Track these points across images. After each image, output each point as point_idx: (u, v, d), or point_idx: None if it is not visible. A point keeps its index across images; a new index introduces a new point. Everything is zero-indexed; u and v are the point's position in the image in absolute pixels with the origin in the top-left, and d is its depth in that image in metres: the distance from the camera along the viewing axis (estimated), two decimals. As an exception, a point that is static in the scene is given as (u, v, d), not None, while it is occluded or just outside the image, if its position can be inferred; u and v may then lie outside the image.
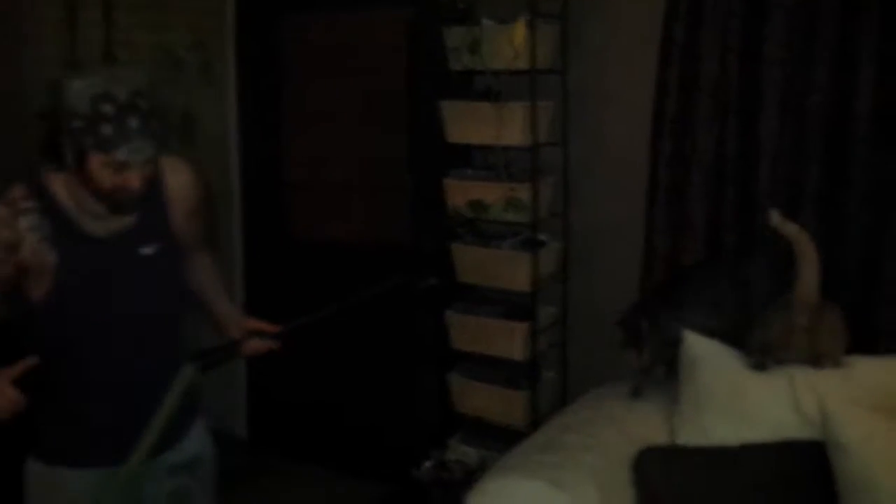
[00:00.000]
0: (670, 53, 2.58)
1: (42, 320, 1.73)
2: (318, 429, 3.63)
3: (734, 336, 2.26)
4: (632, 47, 2.79)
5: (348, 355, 3.38)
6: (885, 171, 2.32)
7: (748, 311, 2.25)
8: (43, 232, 1.67)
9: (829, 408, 2.01)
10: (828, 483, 1.96)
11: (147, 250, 1.78)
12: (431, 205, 3.07)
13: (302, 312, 3.51)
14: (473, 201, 2.91)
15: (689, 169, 2.59)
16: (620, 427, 2.27)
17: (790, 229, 2.18)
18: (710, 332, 2.29)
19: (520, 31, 2.72)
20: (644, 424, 2.29)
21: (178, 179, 1.86)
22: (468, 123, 2.89)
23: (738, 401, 2.20)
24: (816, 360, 2.19)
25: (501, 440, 2.81)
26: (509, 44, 2.74)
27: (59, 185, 1.71)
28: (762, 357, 2.21)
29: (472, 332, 3.00)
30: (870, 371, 2.16)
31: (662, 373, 2.41)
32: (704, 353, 2.29)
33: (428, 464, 3.08)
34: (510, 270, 2.89)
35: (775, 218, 2.18)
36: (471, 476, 2.72)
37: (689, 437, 2.22)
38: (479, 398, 3.02)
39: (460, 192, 2.95)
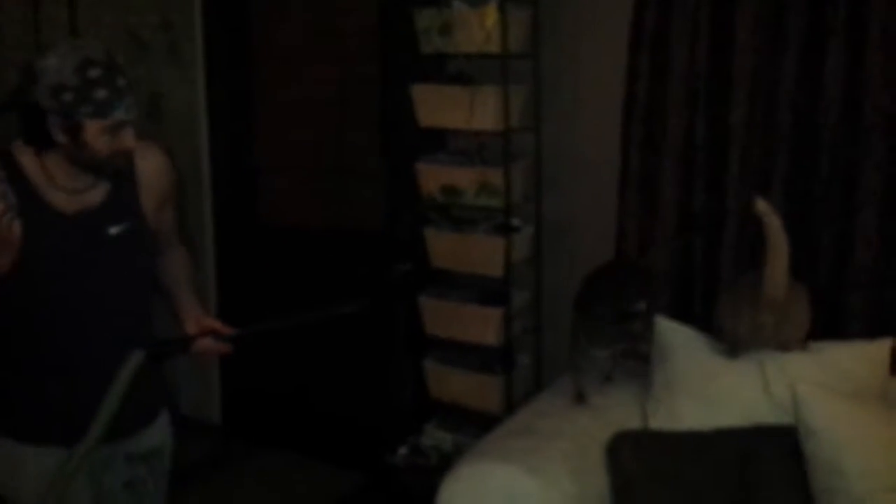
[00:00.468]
0: (641, 39, 2.58)
1: (4, 292, 1.71)
2: (291, 415, 3.63)
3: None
4: (604, 33, 2.78)
5: (322, 342, 3.37)
6: (854, 157, 2.34)
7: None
8: (8, 201, 1.62)
9: (800, 392, 2.04)
10: (798, 466, 2.00)
11: (114, 230, 1.76)
12: (404, 190, 3.06)
13: (273, 298, 3.50)
14: (446, 186, 2.90)
15: (660, 154, 2.60)
16: (594, 412, 2.29)
17: (773, 221, 2.14)
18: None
19: (491, 13, 2.70)
20: (617, 409, 2.32)
21: (150, 164, 1.84)
22: (440, 108, 2.87)
23: (709, 386, 2.23)
24: (784, 345, 2.22)
25: (477, 425, 2.83)
26: (481, 27, 2.72)
27: (28, 158, 1.70)
28: (735, 348, 2.24)
29: (446, 318, 3.00)
30: (839, 356, 2.20)
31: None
32: (676, 339, 2.32)
33: (403, 450, 3.09)
34: (483, 255, 2.89)
35: (762, 205, 2.14)
36: (446, 461, 2.73)
37: (662, 421, 2.25)
38: (454, 384, 3.03)
39: (433, 177, 2.94)
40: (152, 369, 1.78)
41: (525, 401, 2.67)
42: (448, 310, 2.99)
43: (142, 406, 1.89)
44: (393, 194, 3.20)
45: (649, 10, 2.55)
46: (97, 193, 1.75)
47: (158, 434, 1.99)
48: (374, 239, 3.28)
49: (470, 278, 2.98)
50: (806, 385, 2.06)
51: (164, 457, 2.03)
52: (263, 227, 3.65)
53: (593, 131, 2.87)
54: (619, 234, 2.72)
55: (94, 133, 1.62)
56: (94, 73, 1.59)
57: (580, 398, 2.33)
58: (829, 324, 2.33)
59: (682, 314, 2.50)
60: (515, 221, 2.93)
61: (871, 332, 2.28)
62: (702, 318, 2.47)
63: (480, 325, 2.92)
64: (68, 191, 1.72)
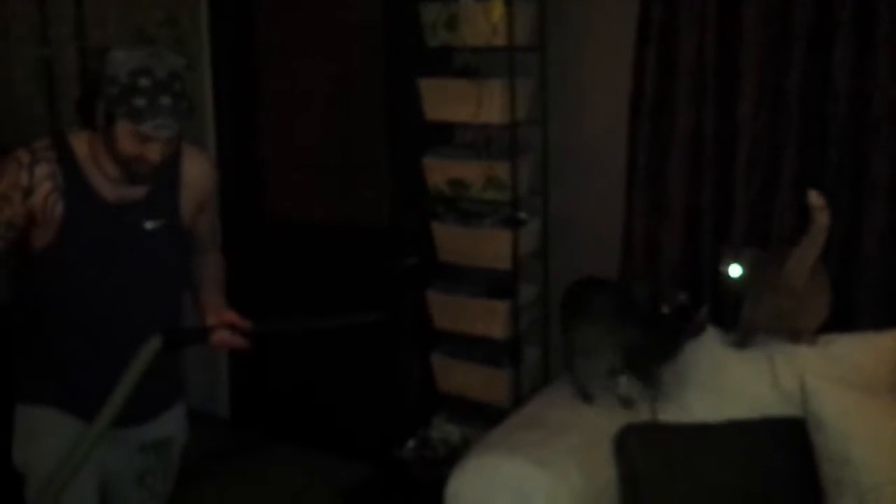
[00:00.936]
0: (648, 33, 2.57)
1: (39, 270, 1.82)
2: (300, 409, 3.63)
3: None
4: (611, 26, 2.78)
5: (331, 336, 3.38)
6: (863, 149, 2.33)
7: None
8: (55, 182, 1.75)
9: (809, 385, 2.04)
10: (807, 459, 2.00)
11: (150, 225, 1.85)
12: (411, 183, 3.06)
13: (279, 292, 3.50)
14: (453, 180, 2.90)
15: (668, 149, 2.60)
16: (602, 405, 2.29)
17: (822, 217, 2.11)
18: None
19: (497, 6, 2.70)
20: (625, 402, 2.31)
21: (195, 168, 1.94)
22: (446, 101, 2.87)
23: (718, 378, 2.23)
24: (796, 335, 2.22)
25: (485, 418, 2.83)
26: (487, 20, 2.72)
27: (81, 144, 1.80)
28: (747, 336, 2.23)
29: (453, 312, 3.00)
30: (848, 348, 2.20)
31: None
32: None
33: (411, 443, 3.09)
34: (491, 249, 2.89)
35: (814, 198, 2.12)
36: (454, 454, 2.74)
37: (671, 414, 2.25)
38: (461, 377, 3.04)
39: (440, 171, 2.94)
40: (169, 358, 1.83)
41: (533, 394, 2.68)
42: (455, 303, 2.99)
43: (156, 394, 1.94)
44: (400, 188, 3.20)
45: (656, 3, 2.54)
46: (140, 188, 1.84)
47: (171, 424, 2.02)
48: (381, 233, 3.28)
49: (477, 272, 2.98)
50: (815, 377, 2.06)
51: (175, 448, 2.05)
52: (270, 222, 3.65)
53: (600, 124, 2.86)
54: (626, 226, 2.72)
55: (124, 132, 1.71)
56: (143, 81, 1.67)
57: (587, 398, 2.32)
58: (839, 315, 2.32)
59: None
60: (522, 215, 2.93)
61: (880, 323, 2.28)
62: (710, 311, 2.46)
63: (488, 319, 2.92)
64: (113, 181, 1.81)
